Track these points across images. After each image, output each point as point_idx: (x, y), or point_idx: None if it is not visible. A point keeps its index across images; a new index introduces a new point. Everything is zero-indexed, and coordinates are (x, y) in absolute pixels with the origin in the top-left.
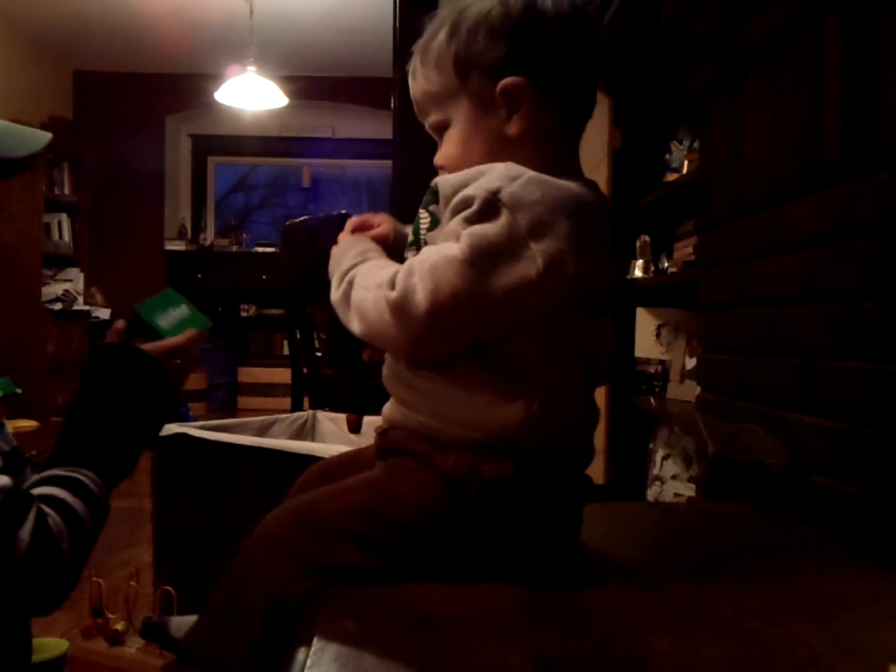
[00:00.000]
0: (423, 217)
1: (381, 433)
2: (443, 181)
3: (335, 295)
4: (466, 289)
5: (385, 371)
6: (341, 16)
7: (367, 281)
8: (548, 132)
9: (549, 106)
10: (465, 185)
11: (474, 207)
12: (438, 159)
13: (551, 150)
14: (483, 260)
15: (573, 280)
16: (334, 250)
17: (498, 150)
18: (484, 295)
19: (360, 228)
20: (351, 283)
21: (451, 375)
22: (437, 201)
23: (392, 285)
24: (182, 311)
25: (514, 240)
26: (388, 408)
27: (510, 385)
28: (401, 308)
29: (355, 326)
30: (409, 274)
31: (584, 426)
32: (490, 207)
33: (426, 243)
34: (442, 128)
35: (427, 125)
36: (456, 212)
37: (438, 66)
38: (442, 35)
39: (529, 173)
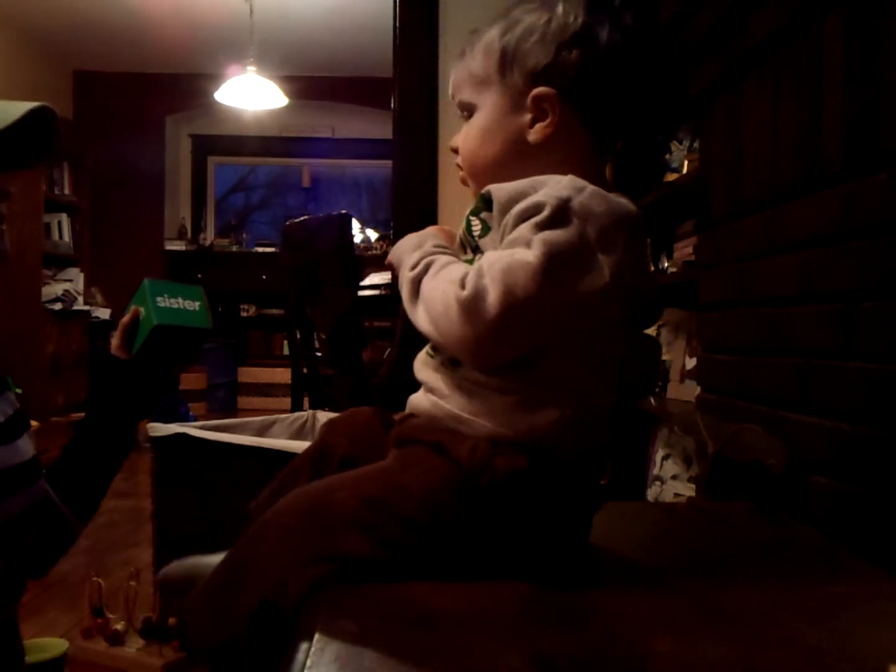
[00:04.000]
0: (475, 224)
1: (401, 421)
2: (497, 189)
3: (409, 274)
4: (539, 294)
5: (419, 359)
6: (341, 16)
7: (443, 273)
8: (572, 148)
9: (580, 124)
10: (524, 193)
11: (546, 213)
12: (456, 141)
13: (575, 164)
14: (556, 267)
15: (631, 293)
16: (411, 235)
17: (515, 152)
18: (554, 301)
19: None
20: (427, 268)
21: (488, 371)
22: (488, 209)
23: (463, 285)
24: (192, 305)
25: (584, 248)
26: (416, 396)
27: (546, 388)
28: (471, 308)
29: (419, 315)
30: (479, 275)
31: (606, 437)
32: (562, 214)
33: (479, 249)
34: (469, 109)
35: (457, 103)
36: (524, 218)
37: (485, 53)
38: (498, 26)
39: (591, 186)
